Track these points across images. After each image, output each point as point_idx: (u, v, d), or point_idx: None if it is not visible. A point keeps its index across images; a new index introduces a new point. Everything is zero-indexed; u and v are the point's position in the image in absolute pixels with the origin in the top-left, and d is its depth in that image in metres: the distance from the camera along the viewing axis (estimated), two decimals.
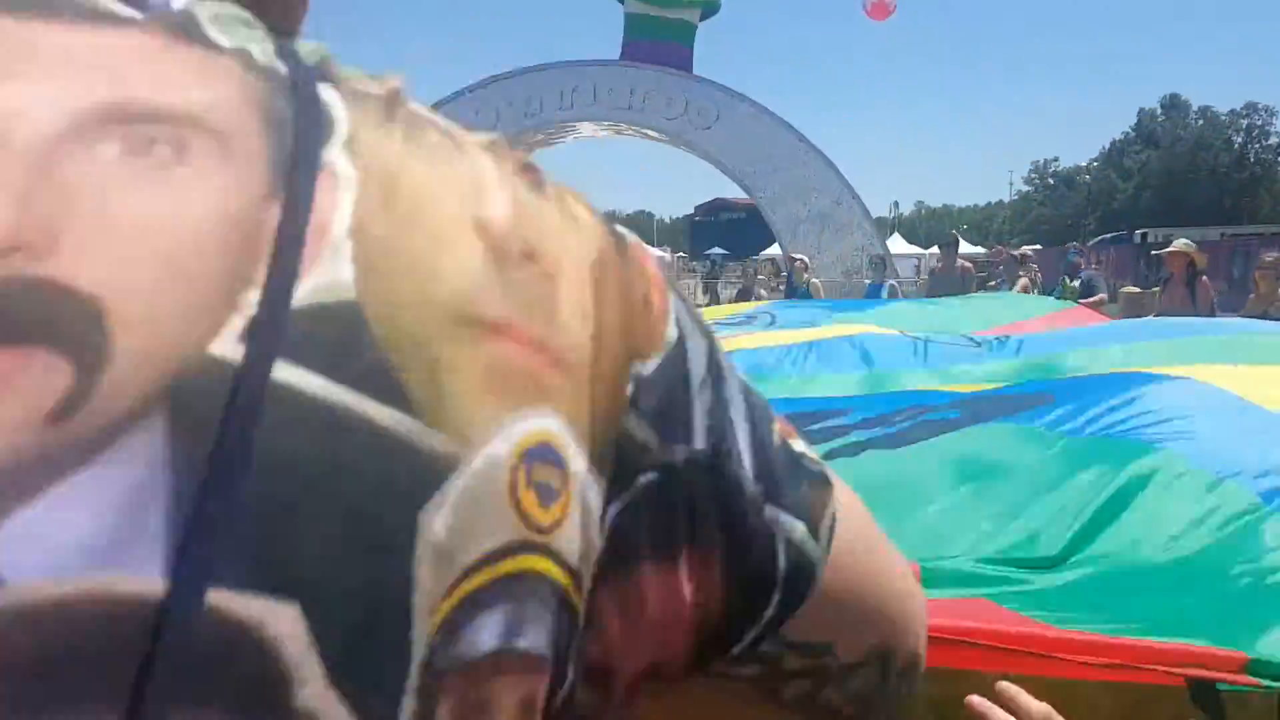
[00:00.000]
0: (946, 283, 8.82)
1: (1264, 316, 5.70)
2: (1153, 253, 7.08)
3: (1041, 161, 73.57)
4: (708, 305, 10.57)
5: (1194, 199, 49.39)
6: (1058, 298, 7.74)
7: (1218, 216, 43.11)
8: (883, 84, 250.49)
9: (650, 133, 23.71)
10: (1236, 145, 55.81)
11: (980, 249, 34.30)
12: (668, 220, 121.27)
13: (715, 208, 72.38)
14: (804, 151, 21.93)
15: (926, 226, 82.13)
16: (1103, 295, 7.56)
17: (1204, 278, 6.17)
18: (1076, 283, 7.97)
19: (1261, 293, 5.77)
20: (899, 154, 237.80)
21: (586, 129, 24.62)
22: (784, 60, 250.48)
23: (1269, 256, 5.90)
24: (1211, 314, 5.98)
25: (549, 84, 22.85)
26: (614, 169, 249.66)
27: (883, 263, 9.74)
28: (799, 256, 10.76)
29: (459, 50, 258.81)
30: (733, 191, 23.80)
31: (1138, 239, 38.08)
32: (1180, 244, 6.47)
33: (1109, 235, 41.51)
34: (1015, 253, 8.89)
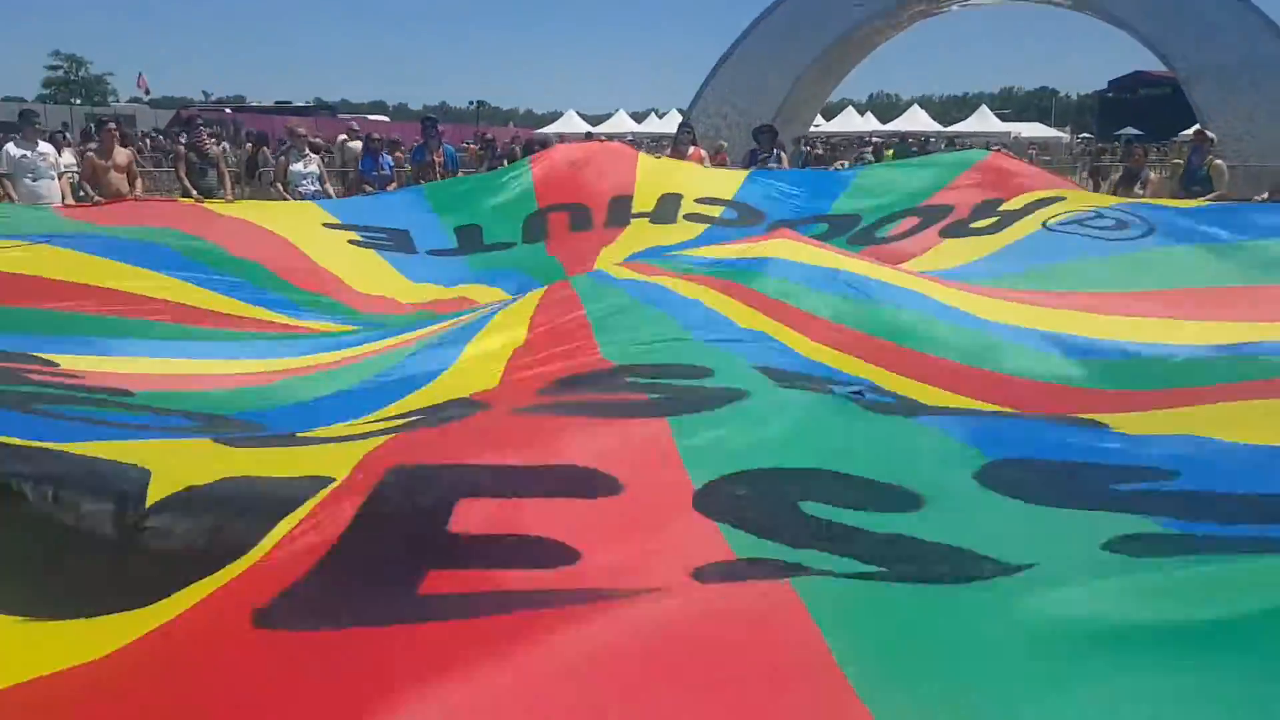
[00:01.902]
0: None
1: None
2: None
3: None
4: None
5: None
6: None
7: None
8: None
9: None
10: None
11: None
12: (1074, 97, 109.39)
13: (1133, 82, 63.77)
14: (1240, 11, 18.43)
15: None
16: None
17: None
18: None
19: None
20: None
21: None
22: None
23: None
24: None
25: None
26: (1011, 39, 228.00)
27: None
28: (1210, 134, 9.19)
29: None
30: (1158, 63, 20.71)
31: None
32: None
33: None
34: None
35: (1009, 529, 1.80)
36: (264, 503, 1.86)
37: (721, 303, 3.88)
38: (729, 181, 7.81)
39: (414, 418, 2.64)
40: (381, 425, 2.55)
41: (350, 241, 6.46)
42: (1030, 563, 1.55)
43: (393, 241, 6.62)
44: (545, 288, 4.26)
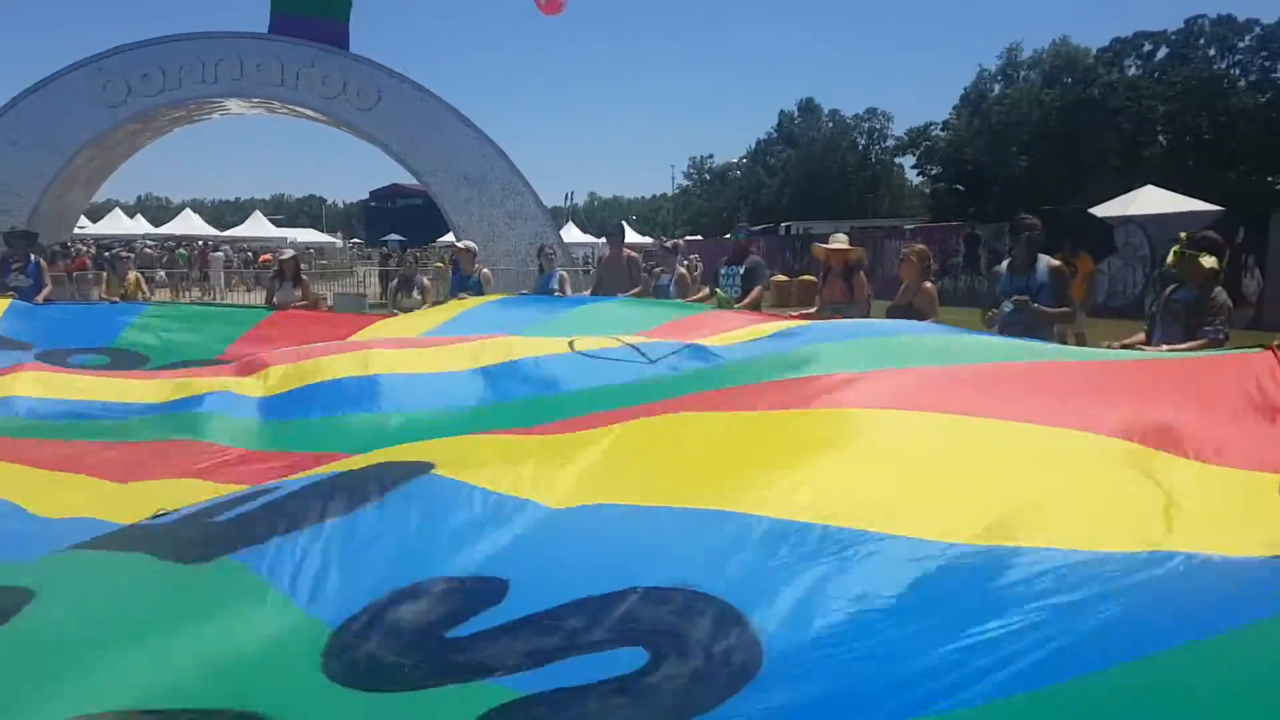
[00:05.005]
0: (614, 271, 8.73)
1: (909, 306, 5.96)
2: (814, 244, 7.30)
3: (699, 158, 78.45)
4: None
5: (827, 195, 54.93)
6: (718, 287, 7.77)
7: (847, 211, 48.11)
8: (555, 76, 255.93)
9: (306, 112, 22.04)
10: (861, 146, 62.79)
11: (648, 239, 35.97)
12: (341, 205, 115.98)
13: (391, 193, 70.15)
14: (473, 138, 21.37)
15: (600, 216, 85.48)
16: (760, 289, 7.63)
17: (861, 273, 6.39)
18: (740, 268, 7.89)
19: (908, 283, 6.05)
20: (572, 146, 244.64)
21: (235, 106, 22.43)
22: (453, 47, 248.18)
23: (911, 248, 6.19)
24: (868, 307, 6.21)
25: (188, 56, 20.53)
26: (277, 149, 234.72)
27: (553, 253, 9.44)
28: (467, 245, 10.09)
29: (76, 17, 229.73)
30: (411, 177, 22.79)
31: (783, 231, 41.96)
32: (842, 239, 6.67)
33: (758, 227, 45.14)
34: (668, 244, 9.03)
35: None
36: None
37: None
38: None
39: None
40: None
41: None
42: None
43: None
44: None
